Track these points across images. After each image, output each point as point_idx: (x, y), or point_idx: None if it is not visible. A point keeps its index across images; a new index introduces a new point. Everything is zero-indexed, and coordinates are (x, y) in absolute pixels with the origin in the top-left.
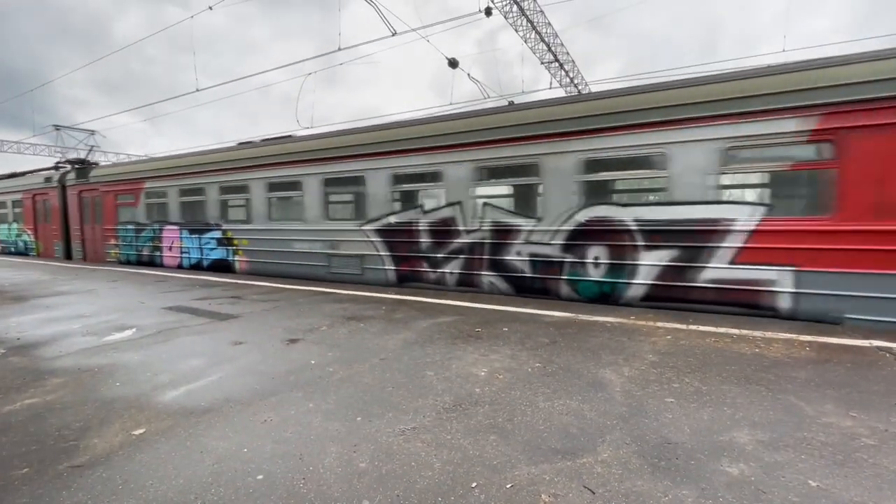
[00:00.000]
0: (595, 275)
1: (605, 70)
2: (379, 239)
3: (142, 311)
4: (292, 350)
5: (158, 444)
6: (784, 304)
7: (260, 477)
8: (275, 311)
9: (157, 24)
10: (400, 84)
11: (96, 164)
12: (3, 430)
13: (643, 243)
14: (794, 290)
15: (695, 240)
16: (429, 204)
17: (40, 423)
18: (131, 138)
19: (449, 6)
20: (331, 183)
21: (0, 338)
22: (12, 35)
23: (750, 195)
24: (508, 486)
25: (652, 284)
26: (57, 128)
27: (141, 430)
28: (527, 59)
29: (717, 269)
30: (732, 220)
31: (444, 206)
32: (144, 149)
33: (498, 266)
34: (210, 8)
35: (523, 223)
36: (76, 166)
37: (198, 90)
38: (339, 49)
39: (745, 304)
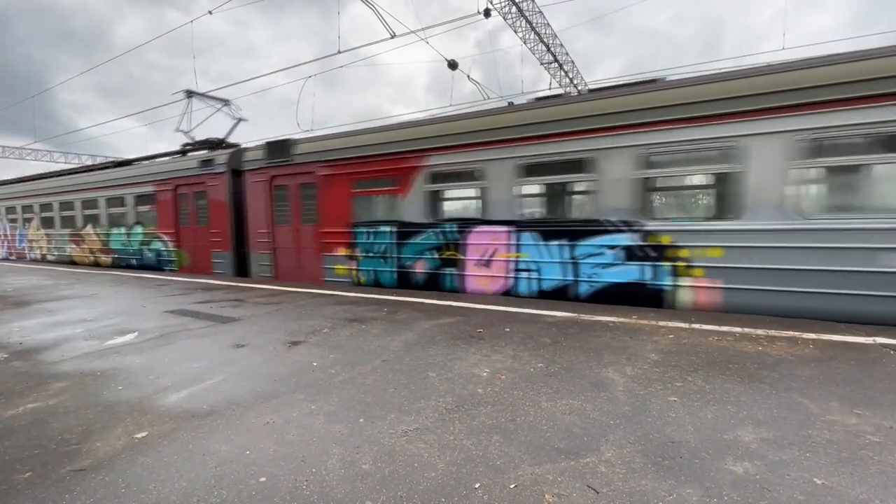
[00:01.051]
0: None
1: (606, 69)
2: None
3: (143, 314)
4: (294, 352)
5: (161, 447)
6: None
7: (262, 479)
8: (277, 313)
9: (156, 28)
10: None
11: (238, 144)
12: (6, 434)
13: None
14: None
15: None
16: None
17: (43, 427)
18: (130, 142)
19: (450, 6)
20: None
21: (2, 342)
22: (12, 41)
23: None
24: (512, 486)
25: None
26: (189, 94)
27: (143, 434)
28: (527, 60)
29: None
30: None
31: None
32: (144, 153)
33: None
34: (210, 13)
35: None
36: (224, 146)
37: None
38: (339, 52)
39: None
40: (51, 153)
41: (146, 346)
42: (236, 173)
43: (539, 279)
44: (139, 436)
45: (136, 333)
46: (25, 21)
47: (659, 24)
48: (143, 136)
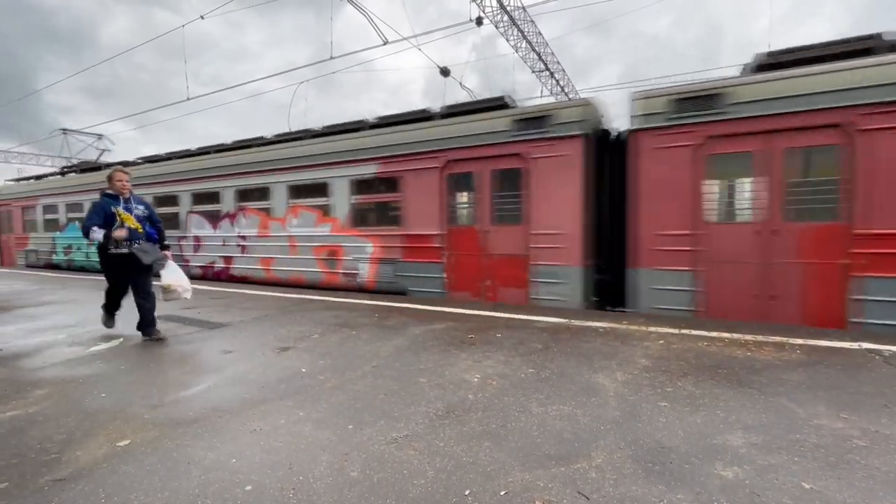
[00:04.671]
0: None
1: (604, 74)
2: None
3: (129, 320)
4: (283, 358)
5: (144, 455)
6: None
7: (248, 488)
8: (266, 319)
9: (144, 28)
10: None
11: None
12: None
13: None
14: None
15: None
16: None
17: (21, 435)
18: (118, 146)
19: (447, 10)
20: None
21: None
22: None
23: None
24: (502, 493)
25: None
26: None
27: (126, 442)
28: (523, 67)
29: None
30: None
31: None
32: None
33: None
34: (202, 17)
35: None
36: None
37: (189, 98)
38: (332, 58)
39: None
40: (37, 156)
41: (131, 352)
42: None
43: None
44: (121, 444)
45: (120, 339)
46: (7, 18)
47: (659, 29)
48: (134, 139)
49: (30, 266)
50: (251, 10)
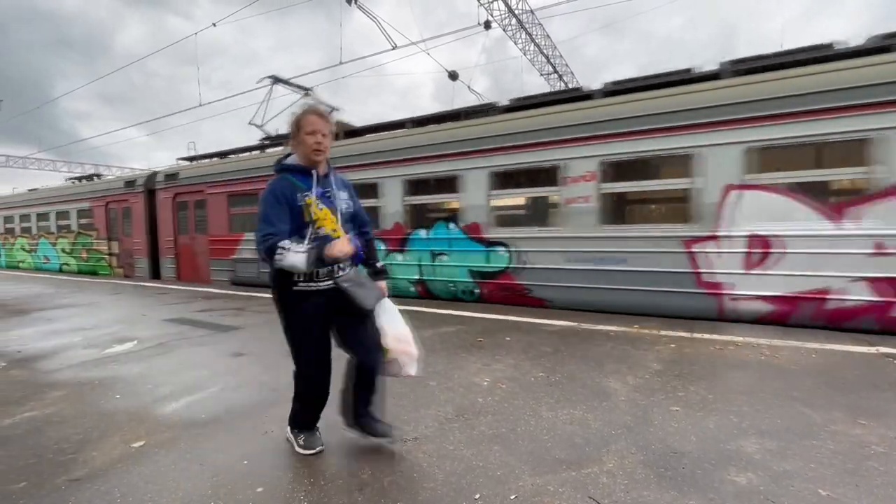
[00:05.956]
0: None
1: (615, 74)
2: None
3: (143, 323)
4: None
5: (158, 456)
6: None
7: (260, 489)
8: (277, 322)
9: (157, 35)
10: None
11: None
12: (2, 443)
13: None
14: None
15: None
16: None
17: (39, 436)
18: (133, 151)
19: (457, 12)
20: None
21: (1, 351)
22: (8, 46)
23: None
24: (512, 497)
25: None
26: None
27: (140, 443)
28: (532, 69)
29: None
30: None
31: None
32: (147, 162)
33: None
34: (214, 24)
35: None
36: None
37: (201, 105)
38: (341, 63)
39: None
40: (54, 162)
41: (145, 354)
42: None
43: None
44: (136, 445)
45: (134, 342)
46: (22, 27)
47: (672, 29)
48: (146, 144)
49: (239, 284)
50: (261, 15)
